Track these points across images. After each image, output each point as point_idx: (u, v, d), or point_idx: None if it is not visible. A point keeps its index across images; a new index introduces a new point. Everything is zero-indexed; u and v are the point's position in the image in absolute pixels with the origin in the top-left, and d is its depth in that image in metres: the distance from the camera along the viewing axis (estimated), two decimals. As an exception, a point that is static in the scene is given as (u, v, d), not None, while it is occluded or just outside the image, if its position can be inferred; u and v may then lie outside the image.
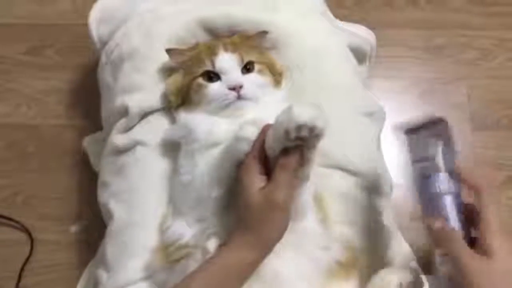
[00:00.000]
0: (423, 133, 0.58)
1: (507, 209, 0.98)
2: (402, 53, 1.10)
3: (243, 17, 0.76)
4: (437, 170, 0.56)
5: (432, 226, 0.53)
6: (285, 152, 0.53)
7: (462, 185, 0.56)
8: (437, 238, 0.53)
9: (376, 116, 0.79)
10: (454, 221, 0.55)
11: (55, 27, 1.09)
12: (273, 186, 0.53)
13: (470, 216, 0.55)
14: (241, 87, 0.66)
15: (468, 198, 0.56)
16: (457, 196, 0.56)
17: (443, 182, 0.55)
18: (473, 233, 0.55)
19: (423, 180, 0.57)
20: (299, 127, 0.49)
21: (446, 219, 0.55)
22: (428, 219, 0.54)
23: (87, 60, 1.04)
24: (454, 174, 0.55)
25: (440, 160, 0.56)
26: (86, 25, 0.84)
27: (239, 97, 0.66)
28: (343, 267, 0.66)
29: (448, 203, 0.55)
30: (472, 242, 0.53)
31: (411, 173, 0.59)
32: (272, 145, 0.53)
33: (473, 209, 0.55)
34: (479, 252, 0.51)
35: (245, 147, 0.56)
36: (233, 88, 0.66)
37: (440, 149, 0.56)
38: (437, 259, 0.55)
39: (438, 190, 0.56)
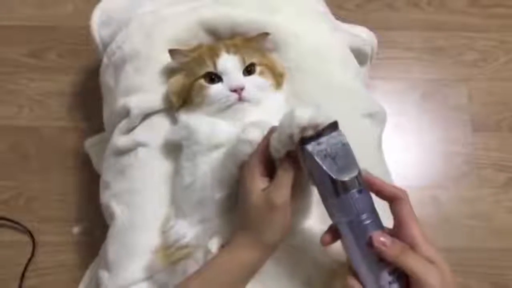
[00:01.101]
0: (329, 142, 0.50)
1: (508, 211, 0.98)
2: (403, 55, 1.11)
3: (244, 18, 0.76)
4: (359, 184, 0.49)
5: (381, 243, 0.48)
6: (289, 154, 0.54)
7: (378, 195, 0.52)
8: (388, 255, 0.48)
9: (377, 117, 0.79)
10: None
11: (57, 30, 1.10)
12: (274, 187, 0.54)
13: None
14: (242, 89, 0.66)
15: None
16: (373, 210, 0.51)
17: (367, 198, 0.50)
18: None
19: (343, 196, 0.49)
20: (303, 129, 0.50)
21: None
22: (373, 238, 0.49)
23: (89, 62, 1.05)
24: (363, 186, 0.50)
25: (359, 172, 0.50)
26: (88, 27, 0.84)
27: (241, 99, 0.66)
28: (345, 268, 0.65)
29: (377, 220, 0.51)
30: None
31: (323, 189, 0.51)
32: (277, 148, 0.53)
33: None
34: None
35: (248, 149, 0.56)
36: (234, 90, 0.66)
37: (355, 159, 0.51)
38: (386, 278, 0.49)
39: (364, 204, 0.50)
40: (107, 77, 0.81)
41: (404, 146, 1.04)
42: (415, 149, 1.04)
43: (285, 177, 0.53)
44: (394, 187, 0.52)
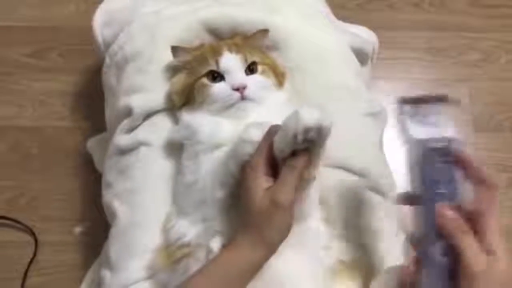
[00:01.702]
0: (430, 110, 0.52)
1: (510, 211, 0.98)
2: (404, 55, 1.11)
3: (245, 18, 0.77)
4: (445, 155, 0.50)
5: (445, 214, 0.49)
6: (293, 153, 0.54)
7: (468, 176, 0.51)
8: (447, 228, 0.49)
9: (378, 116, 0.79)
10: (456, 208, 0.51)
11: (59, 30, 1.10)
12: (278, 187, 0.54)
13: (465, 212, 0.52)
14: (244, 87, 0.66)
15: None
16: (459, 187, 0.52)
17: (449, 171, 0.50)
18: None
19: (427, 164, 0.51)
20: (307, 130, 0.50)
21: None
22: (441, 207, 0.50)
23: (91, 62, 1.05)
24: (460, 164, 0.50)
25: (454, 144, 0.50)
26: (90, 27, 0.85)
27: (243, 98, 0.66)
28: (347, 267, 0.66)
29: (451, 194, 0.51)
30: None
31: (412, 153, 0.52)
32: (281, 148, 0.54)
33: (468, 205, 0.52)
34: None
35: (249, 149, 0.57)
36: (237, 89, 0.66)
37: (451, 132, 0.51)
38: (439, 249, 0.49)
39: (445, 176, 0.50)
40: (109, 77, 0.81)
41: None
42: (416, 149, 1.04)
43: (290, 176, 0.54)
44: (488, 174, 0.51)
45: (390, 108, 0.83)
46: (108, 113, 0.83)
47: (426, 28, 1.13)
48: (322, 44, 0.80)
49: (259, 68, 0.70)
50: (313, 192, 0.61)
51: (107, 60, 0.82)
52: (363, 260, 0.69)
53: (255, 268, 0.57)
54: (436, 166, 0.50)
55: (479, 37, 1.12)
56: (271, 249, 0.57)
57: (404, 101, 0.52)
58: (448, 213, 0.49)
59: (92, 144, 0.94)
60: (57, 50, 1.09)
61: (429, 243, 0.50)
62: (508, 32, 1.12)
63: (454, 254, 0.49)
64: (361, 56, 0.86)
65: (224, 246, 0.60)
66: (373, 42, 0.92)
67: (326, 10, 0.88)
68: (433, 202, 0.50)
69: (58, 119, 1.03)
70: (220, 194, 0.61)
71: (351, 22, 0.95)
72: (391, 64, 1.09)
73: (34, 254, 0.92)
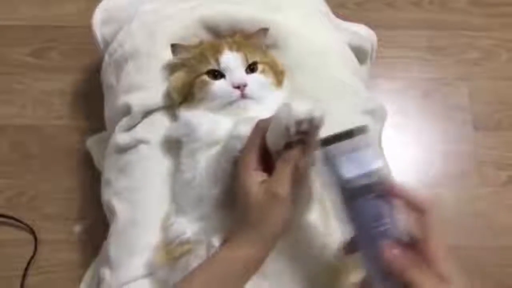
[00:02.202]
0: (347, 144, 0.49)
1: (509, 209, 0.98)
2: (404, 54, 1.11)
3: (245, 16, 0.77)
4: (374, 189, 0.48)
5: (387, 255, 0.47)
6: (287, 146, 0.53)
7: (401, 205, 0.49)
8: (395, 266, 0.46)
9: (376, 114, 0.79)
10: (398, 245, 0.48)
11: (59, 29, 1.10)
12: (275, 179, 0.53)
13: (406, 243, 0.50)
14: (245, 85, 0.66)
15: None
16: (394, 219, 0.49)
17: (381, 205, 0.48)
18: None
19: (358, 201, 0.48)
20: (299, 122, 0.50)
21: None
22: (380, 249, 0.47)
23: (90, 62, 1.05)
24: (390, 195, 0.49)
25: (381, 175, 0.48)
26: (89, 26, 0.85)
27: (243, 96, 0.66)
28: (347, 265, 0.66)
29: (389, 228, 0.48)
30: None
31: (340, 196, 0.49)
32: (274, 142, 0.53)
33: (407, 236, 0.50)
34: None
35: (238, 145, 0.57)
36: (237, 87, 0.66)
37: (379, 163, 0.48)
38: None
39: (379, 211, 0.48)
40: (108, 76, 0.82)
41: (404, 145, 1.04)
42: (416, 147, 1.04)
43: (285, 169, 0.53)
44: (419, 198, 0.49)
45: (389, 106, 0.84)
46: (107, 112, 0.83)
47: (426, 27, 1.13)
48: (321, 42, 0.80)
49: (259, 67, 0.70)
50: (310, 187, 0.61)
51: (106, 58, 0.82)
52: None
53: (254, 266, 0.57)
54: (369, 204, 0.48)
55: (479, 36, 1.12)
56: (269, 245, 0.56)
57: (326, 142, 0.50)
58: (393, 252, 0.47)
59: (91, 142, 0.94)
60: (57, 50, 1.09)
61: (380, 285, 0.48)
62: (508, 31, 1.12)
63: None
64: (360, 55, 0.87)
65: (222, 244, 0.59)
66: (372, 40, 0.92)
67: (325, 8, 0.88)
68: (375, 242, 0.48)
69: (58, 118, 1.03)
70: (216, 191, 0.61)
71: (351, 21, 0.95)
72: (391, 63, 1.09)
73: (34, 253, 0.92)
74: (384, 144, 0.82)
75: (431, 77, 1.09)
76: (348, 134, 0.49)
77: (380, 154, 0.49)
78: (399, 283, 0.46)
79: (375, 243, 0.48)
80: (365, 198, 0.48)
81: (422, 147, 1.04)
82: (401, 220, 0.49)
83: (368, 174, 0.48)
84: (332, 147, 0.49)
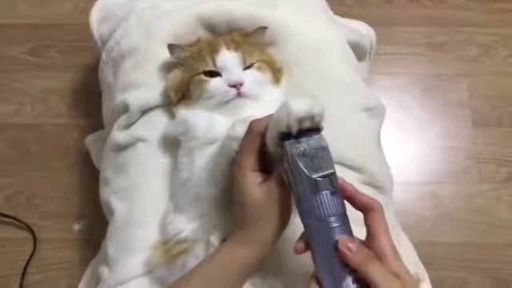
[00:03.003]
0: (312, 140, 0.50)
1: (509, 206, 0.98)
2: (403, 50, 1.11)
3: (243, 13, 0.76)
4: (332, 186, 0.49)
5: (347, 246, 0.47)
6: None
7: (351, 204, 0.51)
8: (352, 260, 0.47)
9: (375, 111, 0.79)
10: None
11: (56, 27, 1.10)
12: (275, 181, 0.53)
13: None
14: (241, 84, 0.66)
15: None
16: (343, 215, 0.50)
17: (337, 202, 0.49)
18: None
19: (317, 197, 0.49)
20: (300, 120, 0.49)
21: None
22: (340, 243, 0.48)
23: (88, 60, 1.05)
24: (337, 189, 0.50)
25: (335, 176, 0.49)
26: (87, 24, 0.85)
27: (239, 95, 0.66)
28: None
29: (345, 224, 0.49)
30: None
31: (299, 187, 0.49)
32: (274, 141, 0.53)
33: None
34: None
35: (235, 146, 0.56)
36: (233, 85, 0.66)
37: (333, 165, 0.50)
38: (350, 287, 0.47)
39: (325, 212, 0.49)
40: (106, 73, 0.81)
41: (404, 141, 1.04)
42: (415, 144, 1.04)
43: None
44: (368, 197, 0.51)
45: (388, 103, 0.84)
46: (105, 110, 0.83)
47: (425, 23, 1.12)
48: (320, 39, 0.79)
49: (256, 64, 0.70)
50: None
51: (104, 56, 0.82)
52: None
53: (253, 266, 0.56)
54: (325, 200, 0.49)
55: (478, 32, 1.11)
56: (267, 246, 0.56)
57: (285, 137, 0.50)
58: (350, 246, 0.47)
59: (90, 141, 0.94)
60: (55, 48, 1.09)
61: (338, 282, 0.48)
62: (507, 27, 1.12)
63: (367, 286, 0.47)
64: (359, 51, 0.86)
65: (221, 244, 0.59)
66: (371, 37, 0.92)
67: (324, 5, 0.87)
68: (331, 237, 0.48)
69: (57, 116, 1.03)
70: (214, 190, 0.61)
71: (350, 17, 0.94)
72: (390, 59, 1.09)
73: (33, 251, 0.92)
74: (383, 140, 0.81)
75: (431, 73, 1.09)
76: (300, 133, 0.50)
77: (330, 155, 0.50)
78: (354, 278, 0.47)
79: (331, 238, 0.49)
80: (321, 193, 0.49)
81: (422, 143, 1.04)
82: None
83: (323, 172, 0.49)
84: (289, 143, 0.50)
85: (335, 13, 0.90)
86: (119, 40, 0.79)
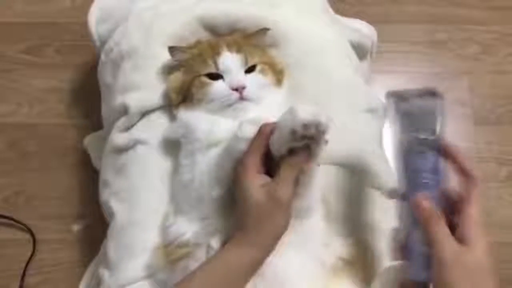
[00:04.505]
0: (417, 103, 0.55)
1: (510, 205, 0.98)
2: (404, 48, 1.10)
3: (243, 14, 0.76)
4: (431, 146, 0.53)
5: (420, 204, 0.52)
6: (292, 151, 0.53)
7: (451, 167, 0.54)
8: (422, 217, 0.52)
9: (377, 112, 0.78)
10: (437, 202, 0.53)
11: (55, 26, 1.09)
12: (278, 184, 0.53)
13: (449, 201, 0.54)
14: (244, 88, 0.66)
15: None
16: (442, 177, 0.54)
17: (434, 161, 0.53)
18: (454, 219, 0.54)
19: (413, 154, 0.54)
20: (306, 126, 0.50)
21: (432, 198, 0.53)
22: (416, 197, 0.52)
23: (87, 59, 1.04)
24: (445, 155, 0.54)
25: (436, 136, 0.53)
26: (86, 23, 0.84)
27: (242, 98, 0.66)
28: (348, 264, 0.65)
29: (435, 183, 0.53)
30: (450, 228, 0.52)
31: (398, 144, 0.54)
32: (278, 147, 0.53)
33: (452, 195, 0.54)
34: (456, 239, 0.51)
35: (243, 146, 0.56)
36: (235, 89, 0.65)
37: (438, 124, 0.54)
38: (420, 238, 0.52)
39: (429, 166, 0.53)
40: (105, 74, 0.81)
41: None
42: (416, 143, 1.03)
43: (290, 173, 0.54)
44: (470, 164, 0.53)
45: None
46: (104, 111, 0.82)
47: (426, 21, 1.12)
48: (321, 39, 0.79)
49: (258, 67, 0.69)
50: (314, 188, 0.61)
51: (103, 57, 0.81)
52: (363, 257, 0.69)
53: (253, 267, 0.57)
54: (421, 156, 0.53)
55: (479, 30, 1.11)
56: (269, 247, 0.56)
57: (392, 94, 0.55)
58: (422, 203, 0.51)
59: (89, 141, 0.94)
60: (54, 47, 1.08)
61: (409, 233, 0.53)
62: (508, 25, 1.11)
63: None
64: (360, 51, 0.86)
65: (222, 246, 0.59)
66: (372, 36, 0.91)
67: (325, 4, 0.87)
68: (415, 192, 0.53)
69: (55, 116, 1.02)
70: (216, 192, 0.61)
71: (350, 15, 0.94)
72: (391, 57, 1.09)
73: (33, 252, 0.91)
74: (384, 140, 0.81)
75: (431, 71, 1.08)
76: (413, 93, 0.54)
77: (444, 123, 0.55)
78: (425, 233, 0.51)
79: (414, 193, 0.53)
80: (419, 150, 0.53)
81: (423, 142, 1.03)
82: (450, 180, 0.54)
83: (425, 131, 0.53)
84: (403, 103, 0.54)
85: (336, 11, 0.90)
86: (118, 41, 0.78)
